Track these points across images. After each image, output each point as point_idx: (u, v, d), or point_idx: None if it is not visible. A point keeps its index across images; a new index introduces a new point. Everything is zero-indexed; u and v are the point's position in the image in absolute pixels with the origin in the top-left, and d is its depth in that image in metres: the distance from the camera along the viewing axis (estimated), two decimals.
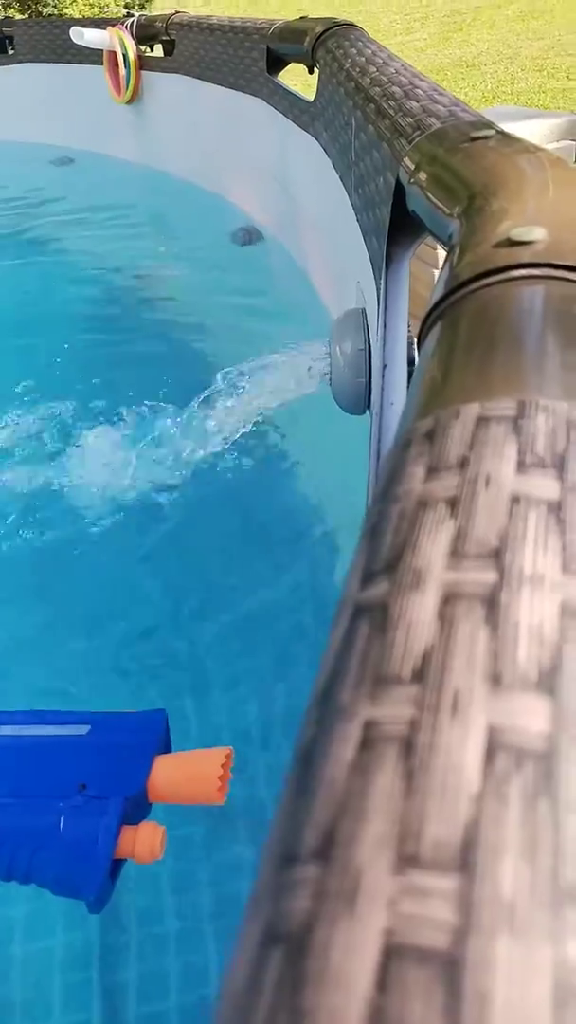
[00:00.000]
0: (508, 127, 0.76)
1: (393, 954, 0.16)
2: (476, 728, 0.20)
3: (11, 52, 4.00)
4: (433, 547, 0.26)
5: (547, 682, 0.21)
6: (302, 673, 1.18)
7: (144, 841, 0.63)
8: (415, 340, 0.95)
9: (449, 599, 0.24)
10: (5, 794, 0.66)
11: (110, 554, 1.44)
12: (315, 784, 0.21)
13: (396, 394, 0.79)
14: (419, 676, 0.22)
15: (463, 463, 0.30)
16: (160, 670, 1.24)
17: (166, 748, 0.70)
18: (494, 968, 0.16)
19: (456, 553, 0.26)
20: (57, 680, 1.23)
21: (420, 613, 0.24)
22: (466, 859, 0.18)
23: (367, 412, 1.12)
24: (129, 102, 3.43)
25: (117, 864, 0.63)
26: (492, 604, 0.23)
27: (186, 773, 0.67)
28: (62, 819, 0.63)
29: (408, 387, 0.84)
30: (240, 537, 1.49)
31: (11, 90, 4.00)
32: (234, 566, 1.42)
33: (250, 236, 2.70)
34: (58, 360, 2.10)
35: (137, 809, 0.66)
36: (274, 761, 1.03)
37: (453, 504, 0.28)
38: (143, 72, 3.31)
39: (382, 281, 0.88)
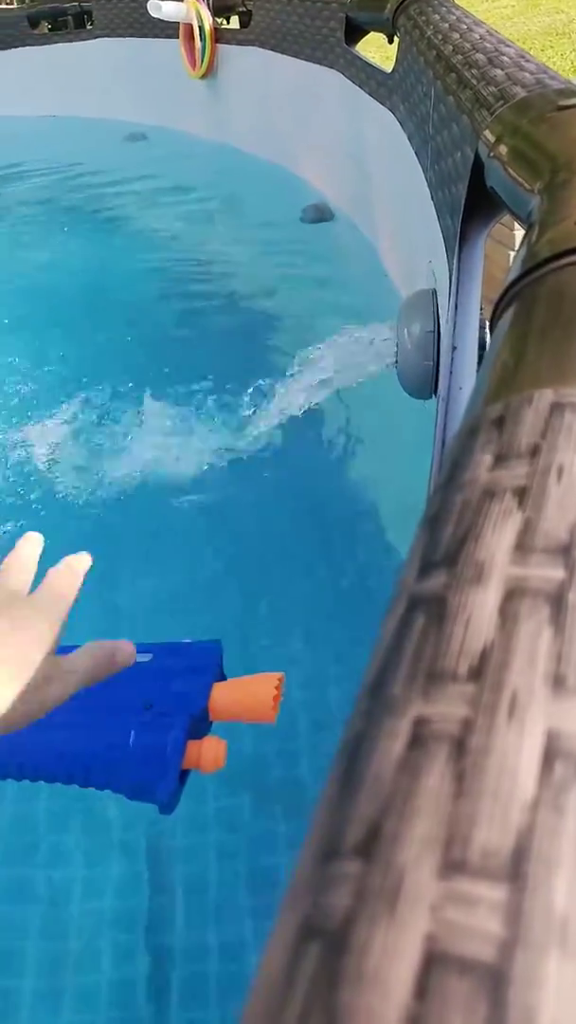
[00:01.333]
0: None
1: (435, 961, 0.16)
2: (534, 732, 0.20)
3: (89, 27, 4.03)
4: (497, 540, 0.25)
5: None
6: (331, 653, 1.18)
7: (208, 752, 0.68)
8: (487, 323, 0.92)
9: (512, 595, 0.23)
10: (77, 714, 0.69)
11: (175, 518, 1.47)
12: (361, 778, 0.20)
13: (465, 378, 0.76)
14: (476, 674, 0.21)
15: (534, 452, 0.28)
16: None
17: (222, 675, 0.75)
18: (542, 985, 0.15)
19: (522, 547, 0.25)
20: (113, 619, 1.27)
21: (480, 608, 0.23)
22: (517, 869, 0.17)
23: (433, 397, 1.10)
24: (203, 76, 3.41)
25: (184, 774, 0.69)
26: (558, 603, 0.22)
27: (243, 694, 0.72)
28: (132, 733, 0.69)
29: (479, 371, 0.81)
30: (296, 515, 1.49)
31: (88, 65, 4.04)
32: (288, 546, 1.42)
33: (320, 213, 2.67)
34: (126, 337, 2.13)
35: (200, 727, 0.71)
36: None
37: (521, 495, 0.27)
38: (218, 45, 3.29)
39: (455, 261, 0.85)
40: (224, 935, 0.91)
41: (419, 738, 0.20)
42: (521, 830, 0.18)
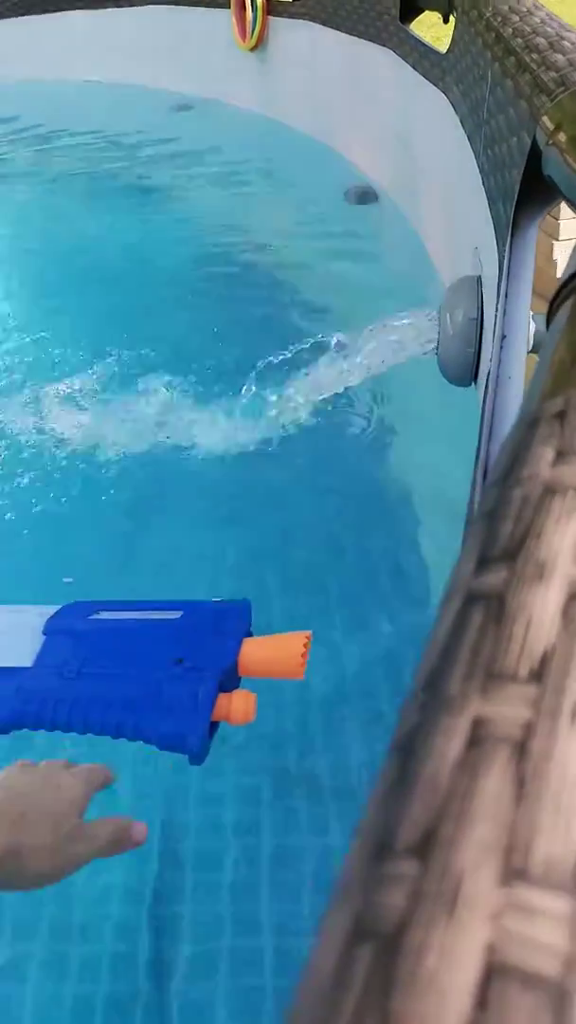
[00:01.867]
0: None
1: (496, 972, 0.15)
2: None
3: None
4: (560, 538, 0.24)
5: None
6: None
7: (238, 705, 0.71)
8: (531, 312, 0.90)
9: (575, 597, 0.22)
10: (110, 667, 0.75)
11: (195, 497, 1.47)
12: (416, 776, 0.20)
13: (515, 368, 0.75)
14: (537, 676, 0.21)
15: None
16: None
17: (249, 634, 0.78)
18: None
19: None
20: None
21: (542, 608, 0.22)
22: None
23: (472, 385, 1.08)
24: (253, 49, 3.37)
25: (214, 725, 0.71)
26: None
27: (272, 651, 0.74)
28: (164, 684, 0.72)
29: (536, 363, 0.80)
30: (326, 497, 1.48)
31: (137, 32, 4.01)
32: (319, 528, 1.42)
33: (364, 195, 2.63)
34: (162, 307, 2.12)
35: (229, 682, 0.73)
36: None
37: None
38: (270, 17, 3.24)
39: (506, 249, 0.84)
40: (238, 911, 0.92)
41: (478, 739, 0.20)
42: None
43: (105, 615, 0.81)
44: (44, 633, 0.79)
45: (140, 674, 0.73)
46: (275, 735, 1.09)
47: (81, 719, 0.72)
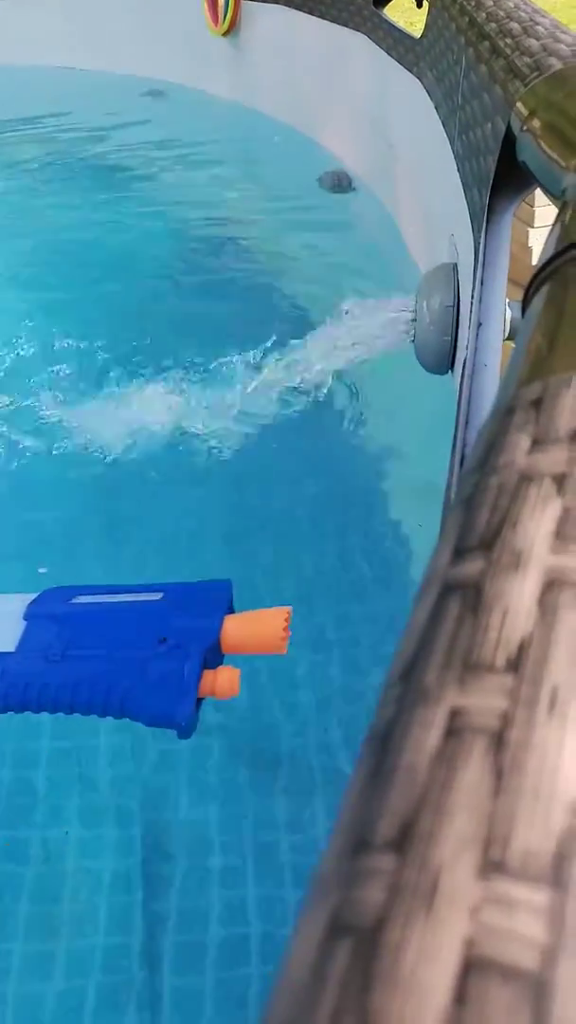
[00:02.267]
0: None
1: (474, 966, 0.15)
2: None
3: None
4: (536, 526, 0.24)
5: None
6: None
7: (223, 680, 0.73)
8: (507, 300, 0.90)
9: (552, 585, 0.22)
10: (95, 648, 0.76)
11: (179, 482, 1.47)
12: (393, 768, 0.19)
13: (490, 355, 0.75)
14: (514, 666, 0.21)
15: (574, 437, 0.27)
16: None
17: (231, 611, 0.80)
18: None
19: (562, 535, 0.24)
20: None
21: (518, 598, 0.22)
22: (559, 873, 0.16)
23: (449, 372, 1.08)
24: (226, 34, 3.33)
25: (199, 702, 0.72)
26: None
27: (254, 627, 0.76)
28: (149, 664, 0.74)
29: (511, 350, 0.80)
30: (303, 484, 1.48)
31: (109, 18, 3.94)
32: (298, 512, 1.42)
33: (339, 181, 2.62)
34: (135, 298, 2.10)
35: (213, 658, 0.75)
36: None
37: (561, 481, 0.26)
38: (243, 2, 3.20)
39: (481, 236, 0.83)
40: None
41: (455, 730, 0.19)
42: (563, 831, 0.17)
43: (86, 599, 0.83)
44: (25, 619, 0.81)
45: (124, 654, 0.75)
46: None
47: (68, 700, 0.73)
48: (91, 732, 1.10)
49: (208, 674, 0.73)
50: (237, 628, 0.76)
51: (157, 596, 0.81)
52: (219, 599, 0.80)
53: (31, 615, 0.81)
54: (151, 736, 1.09)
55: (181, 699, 0.71)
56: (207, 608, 0.79)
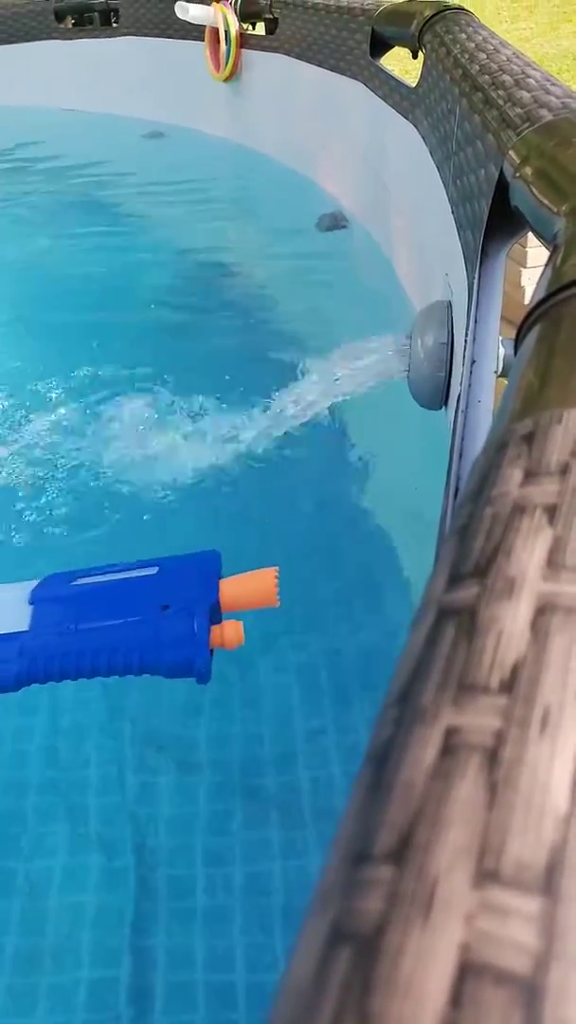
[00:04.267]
0: None
1: (469, 971, 0.16)
2: (566, 747, 0.20)
3: (115, 25, 4.04)
4: (528, 555, 0.25)
5: None
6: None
7: (230, 632, 0.80)
8: (500, 337, 0.92)
9: (544, 610, 0.23)
10: (105, 619, 0.82)
11: (165, 516, 1.48)
12: (391, 784, 0.20)
13: (484, 392, 0.77)
14: (507, 687, 0.21)
15: (565, 470, 0.28)
16: None
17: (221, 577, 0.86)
18: None
19: (553, 563, 0.25)
20: None
21: (511, 622, 0.23)
22: (550, 883, 0.17)
23: (443, 408, 1.10)
24: (227, 80, 3.43)
25: (211, 652, 0.79)
26: None
27: (250, 585, 0.83)
28: (161, 624, 0.80)
29: (504, 386, 0.82)
30: (299, 520, 1.49)
31: (112, 62, 4.05)
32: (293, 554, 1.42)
33: (336, 222, 2.68)
34: (134, 335, 2.13)
35: (213, 617, 0.81)
36: None
37: (552, 512, 0.27)
38: (243, 50, 3.30)
39: (475, 276, 0.86)
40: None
41: (451, 747, 0.20)
42: (554, 843, 0.18)
43: (86, 580, 0.89)
44: (31, 603, 0.86)
45: (135, 621, 0.81)
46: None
47: (89, 666, 0.79)
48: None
49: (215, 628, 0.79)
50: (233, 587, 0.82)
51: (153, 570, 0.87)
52: (210, 567, 0.86)
53: (36, 599, 0.87)
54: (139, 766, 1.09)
55: (197, 649, 0.77)
56: (201, 575, 0.85)
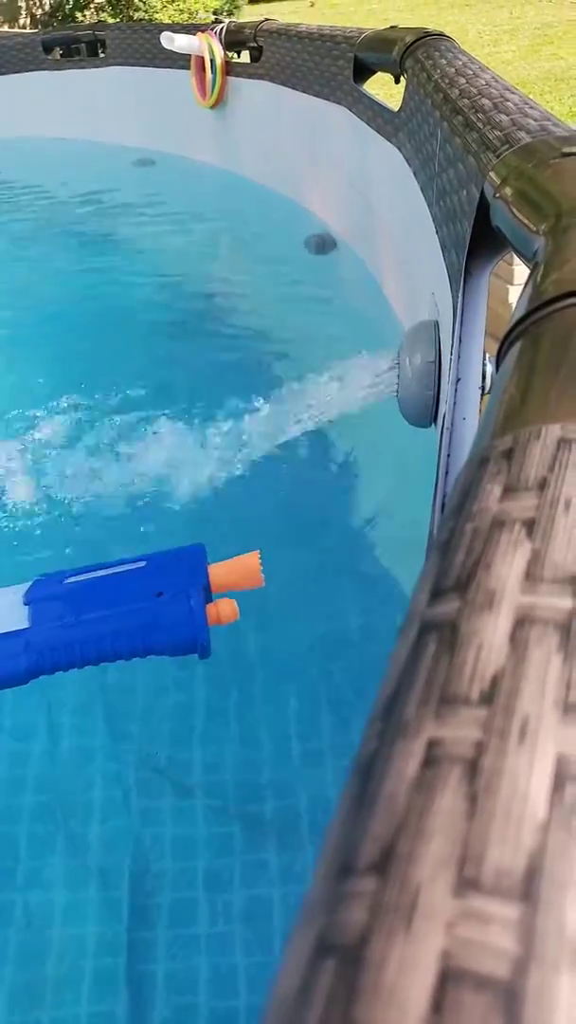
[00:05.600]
0: None
1: (450, 977, 0.16)
2: (544, 756, 0.20)
3: (102, 55, 4.11)
4: (508, 568, 0.26)
5: None
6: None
7: (224, 609, 0.84)
8: (486, 355, 0.93)
9: (522, 623, 0.24)
10: (102, 610, 0.86)
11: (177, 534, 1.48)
12: (375, 797, 0.21)
13: (469, 409, 0.78)
14: (487, 699, 0.22)
15: (543, 485, 0.29)
16: None
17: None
18: (555, 1002, 0.15)
19: (532, 576, 0.25)
20: None
21: (491, 635, 0.24)
22: (529, 889, 0.17)
23: (432, 426, 1.11)
24: (213, 107, 3.48)
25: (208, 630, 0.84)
26: (567, 632, 0.23)
27: (237, 568, 0.88)
28: (159, 609, 0.84)
29: (485, 403, 0.83)
30: (290, 540, 1.50)
31: (99, 92, 4.11)
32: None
33: (324, 243, 2.71)
34: (125, 361, 2.14)
35: (206, 598, 0.86)
36: None
37: (530, 526, 0.27)
38: (229, 78, 3.36)
39: (459, 295, 0.87)
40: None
41: (432, 759, 0.21)
42: (533, 851, 0.18)
43: (77, 578, 0.92)
44: (26, 603, 0.89)
45: (133, 609, 0.85)
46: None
47: (95, 653, 0.83)
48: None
49: (210, 607, 0.84)
50: (222, 571, 0.88)
51: (141, 564, 0.91)
52: (197, 557, 0.91)
53: (31, 599, 0.90)
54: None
55: (197, 626, 0.82)
56: (189, 564, 0.90)
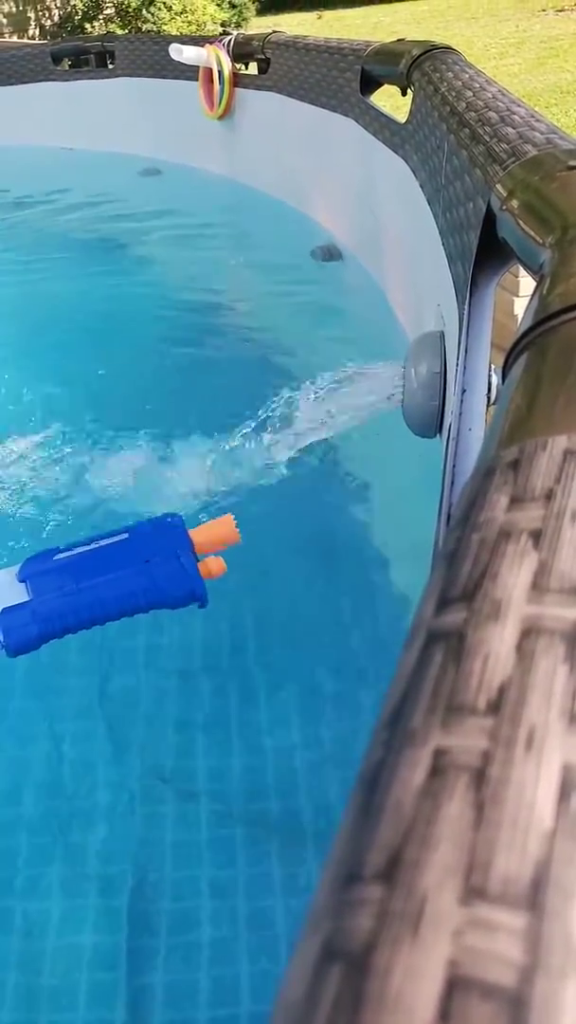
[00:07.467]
0: None
1: (457, 985, 0.16)
2: (551, 765, 0.20)
3: (111, 66, 4.14)
4: (514, 579, 0.26)
5: None
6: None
7: (213, 565, 0.92)
8: (492, 366, 0.94)
9: (529, 633, 0.24)
10: (100, 575, 0.92)
11: None
12: (382, 806, 0.21)
13: (475, 420, 0.78)
14: (494, 708, 0.22)
15: (549, 495, 0.29)
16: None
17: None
18: (561, 1011, 0.15)
19: (538, 587, 0.25)
20: None
21: (498, 645, 0.24)
22: (536, 897, 0.17)
23: (437, 436, 1.12)
24: (221, 117, 3.50)
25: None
26: (574, 642, 0.23)
27: (216, 528, 0.96)
28: (153, 570, 0.91)
29: (491, 414, 0.83)
30: (296, 550, 1.50)
31: (108, 102, 4.14)
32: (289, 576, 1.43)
33: (330, 254, 2.72)
34: (132, 369, 2.15)
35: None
36: None
37: (537, 537, 0.28)
38: (236, 89, 3.38)
39: (465, 306, 0.88)
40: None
41: (439, 768, 0.21)
42: (539, 859, 0.18)
43: (66, 554, 0.97)
44: (22, 580, 0.93)
45: (128, 572, 0.91)
46: None
47: (102, 613, 0.89)
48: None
49: (201, 564, 0.92)
50: (203, 533, 0.95)
51: (124, 536, 0.97)
52: (175, 525, 0.97)
53: (26, 576, 0.94)
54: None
55: (193, 582, 0.90)
56: (170, 531, 0.96)
